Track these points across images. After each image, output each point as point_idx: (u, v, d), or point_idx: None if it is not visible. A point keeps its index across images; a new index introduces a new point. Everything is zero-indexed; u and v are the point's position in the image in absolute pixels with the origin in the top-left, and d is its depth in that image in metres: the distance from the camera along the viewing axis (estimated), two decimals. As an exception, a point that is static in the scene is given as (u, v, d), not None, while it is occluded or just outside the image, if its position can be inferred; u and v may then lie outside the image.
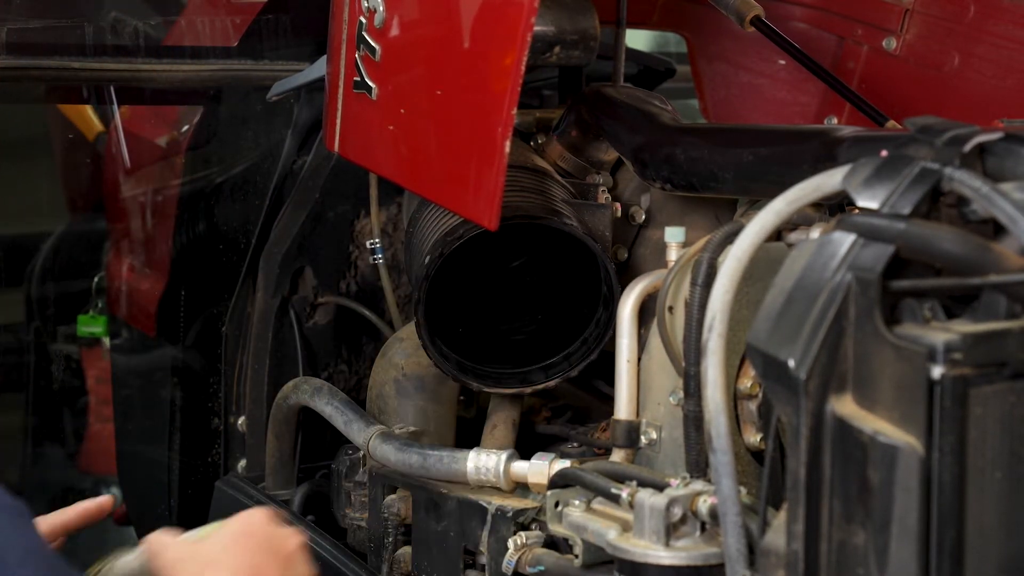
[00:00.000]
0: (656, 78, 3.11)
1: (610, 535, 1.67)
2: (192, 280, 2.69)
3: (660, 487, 1.66)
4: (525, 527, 1.88)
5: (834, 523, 1.35)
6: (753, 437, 1.77)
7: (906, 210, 1.39)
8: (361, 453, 2.15)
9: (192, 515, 2.60)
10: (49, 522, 1.82)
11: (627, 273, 2.14)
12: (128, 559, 1.73)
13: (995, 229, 1.43)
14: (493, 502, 1.90)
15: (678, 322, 1.77)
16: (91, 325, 2.99)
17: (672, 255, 1.84)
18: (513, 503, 1.89)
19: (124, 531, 3.01)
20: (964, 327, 1.32)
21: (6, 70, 2.50)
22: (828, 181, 1.51)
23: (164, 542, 1.67)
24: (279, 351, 2.54)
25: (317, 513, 2.36)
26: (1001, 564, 1.33)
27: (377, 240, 2.43)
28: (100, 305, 3.00)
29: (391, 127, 2.03)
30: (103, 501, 1.87)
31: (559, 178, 2.17)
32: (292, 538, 1.70)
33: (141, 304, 2.82)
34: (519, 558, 1.85)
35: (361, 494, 2.18)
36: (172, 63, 2.60)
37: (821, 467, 1.36)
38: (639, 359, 1.85)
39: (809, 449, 1.36)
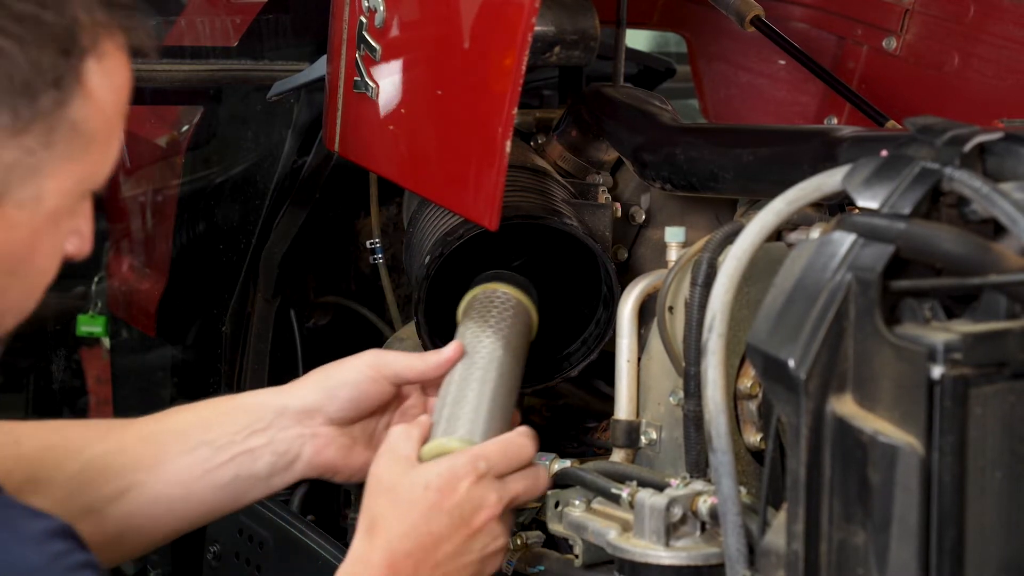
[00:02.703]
0: (656, 78, 3.11)
1: (610, 535, 1.67)
2: (192, 280, 2.69)
3: (660, 487, 1.66)
4: (525, 527, 1.88)
5: (834, 523, 1.35)
6: (753, 437, 1.77)
7: (906, 210, 1.39)
8: (361, 453, 2.15)
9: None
10: (405, 369, 1.82)
11: (627, 273, 2.14)
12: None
13: (995, 229, 1.43)
14: (493, 502, 1.89)
15: (678, 322, 1.77)
16: (91, 325, 2.98)
17: (672, 255, 1.84)
18: (513, 503, 1.89)
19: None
20: (964, 327, 1.32)
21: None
22: (828, 181, 1.51)
23: (394, 446, 1.70)
24: (279, 351, 2.54)
25: (317, 513, 2.36)
26: (1001, 564, 1.33)
27: (377, 240, 2.43)
28: (100, 305, 3.00)
29: (391, 127, 2.03)
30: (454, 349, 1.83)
31: (559, 178, 2.17)
32: (488, 510, 1.67)
33: (141, 304, 2.82)
34: (519, 558, 1.85)
35: (361, 494, 2.18)
36: (172, 63, 2.60)
37: (821, 467, 1.36)
38: (639, 359, 1.85)
39: (809, 449, 1.36)
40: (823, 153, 1.74)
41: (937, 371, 1.29)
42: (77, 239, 1.44)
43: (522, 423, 2.13)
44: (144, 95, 2.76)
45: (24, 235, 1.36)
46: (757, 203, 2.01)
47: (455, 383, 1.79)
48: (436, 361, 1.82)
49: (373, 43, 2.01)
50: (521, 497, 1.72)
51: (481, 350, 1.81)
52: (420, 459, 1.70)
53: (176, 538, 1.86)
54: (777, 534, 1.42)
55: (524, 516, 1.90)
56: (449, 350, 1.82)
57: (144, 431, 1.82)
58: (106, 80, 1.38)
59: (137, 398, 2.92)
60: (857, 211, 1.51)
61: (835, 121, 2.72)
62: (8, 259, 1.36)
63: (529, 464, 1.73)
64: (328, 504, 2.29)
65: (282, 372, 2.52)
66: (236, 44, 2.65)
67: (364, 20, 2.02)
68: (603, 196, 2.15)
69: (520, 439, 1.73)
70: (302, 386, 1.84)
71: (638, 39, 3.59)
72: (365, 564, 1.63)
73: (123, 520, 1.77)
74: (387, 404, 1.88)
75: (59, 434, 1.80)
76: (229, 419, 1.82)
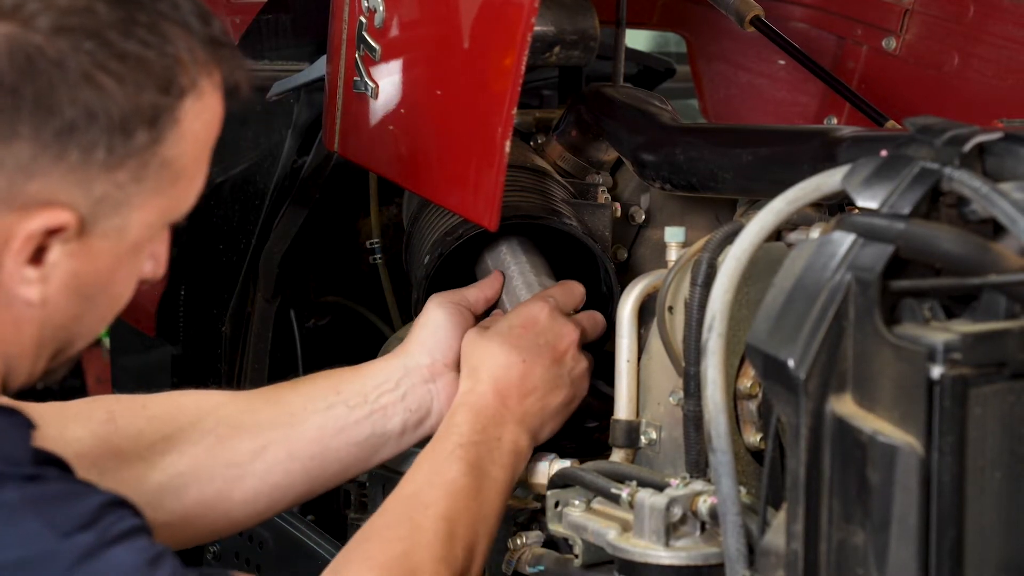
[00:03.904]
0: (656, 78, 3.11)
1: (610, 535, 1.67)
2: (192, 280, 2.69)
3: (660, 487, 1.66)
4: (525, 527, 1.88)
5: (834, 523, 1.36)
6: (753, 437, 1.77)
7: (906, 210, 1.39)
8: (361, 453, 2.15)
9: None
10: (472, 296, 1.99)
11: (627, 273, 2.14)
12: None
13: (995, 229, 1.43)
14: (493, 502, 1.89)
15: (678, 322, 1.77)
16: (91, 325, 2.98)
17: (672, 255, 1.84)
18: (513, 503, 1.89)
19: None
20: (964, 327, 1.32)
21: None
22: (828, 181, 1.51)
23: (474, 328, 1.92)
24: (279, 351, 2.54)
25: (317, 513, 2.36)
26: (1001, 564, 1.34)
27: (377, 240, 2.43)
28: (100, 305, 2.99)
29: (391, 127, 2.03)
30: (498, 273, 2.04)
31: (559, 178, 2.17)
32: (569, 336, 1.90)
33: (141, 304, 2.82)
34: (519, 558, 1.85)
35: (361, 494, 2.18)
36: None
37: (821, 467, 1.36)
38: (639, 359, 1.85)
39: (809, 449, 1.36)
40: (823, 153, 1.74)
41: (937, 371, 1.29)
42: (153, 263, 1.47)
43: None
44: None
45: (106, 264, 1.38)
46: (757, 203, 2.01)
47: (516, 276, 2.03)
48: (493, 282, 2.02)
49: (373, 43, 2.01)
50: (588, 332, 1.95)
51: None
52: None
53: (306, 501, 1.94)
54: (777, 534, 1.42)
55: (524, 516, 1.90)
56: (494, 274, 2.03)
57: (270, 396, 1.91)
58: (200, 118, 1.41)
59: (137, 398, 2.91)
60: (857, 211, 1.51)
61: (835, 121, 2.72)
62: (88, 287, 1.38)
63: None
64: (328, 504, 2.29)
65: (282, 372, 2.52)
66: (236, 44, 2.65)
67: (364, 20, 2.03)
68: (603, 196, 2.15)
69: (573, 282, 1.99)
70: (406, 348, 1.94)
71: (638, 39, 3.59)
72: (475, 394, 1.84)
73: (261, 478, 1.83)
74: None
75: (186, 397, 1.89)
76: (358, 381, 1.91)
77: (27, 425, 1.36)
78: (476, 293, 1.99)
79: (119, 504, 1.35)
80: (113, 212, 1.36)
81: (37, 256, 1.34)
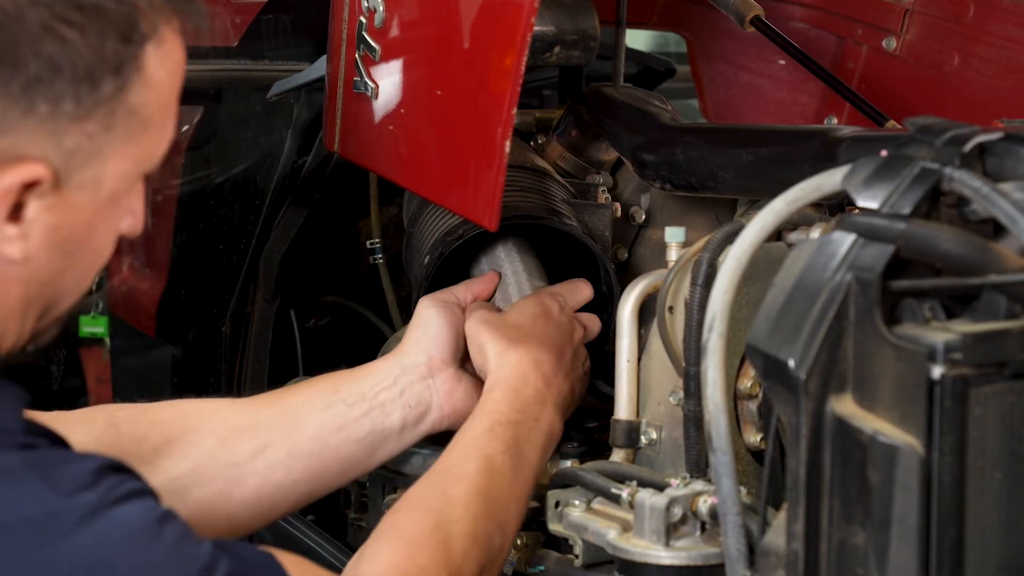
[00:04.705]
0: (656, 78, 3.11)
1: (610, 535, 1.67)
2: (192, 280, 2.69)
3: (660, 487, 1.66)
4: (525, 527, 1.88)
5: (834, 523, 1.35)
6: (753, 437, 1.77)
7: (906, 210, 1.39)
8: (361, 453, 2.15)
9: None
10: (462, 293, 2.01)
11: (627, 273, 2.14)
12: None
13: (995, 229, 1.43)
14: (493, 502, 1.89)
15: (678, 322, 1.77)
16: (92, 325, 2.98)
17: (672, 255, 1.84)
18: (513, 503, 1.89)
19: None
20: (964, 327, 1.32)
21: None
22: (828, 181, 1.51)
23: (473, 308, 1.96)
24: (279, 351, 2.54)
25: (317, 513, 2.36)
26: (1001, 564, 1.33)
27: (377, 240, 2.43)
28: (101, 305, 3.00)
29: (391, 127, 2.03)
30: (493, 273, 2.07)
31: (559, 178, 2.17)
32: (577, 331, 1.97)
33: (141, 304, 2.82)
34: (519, 558, 1.85)
35: (361, 494, 2.19)
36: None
37: (821, 467, 1.36)
38: (639, 359, 1.85)
39: (809, 449, 1.36)
40: (823, 153, 1.74)
41: (937, 371, 1.29)
42: (131, 218, 1.47)
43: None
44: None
45: (85, 217, 1.39)
46: (757, 203, 2.01)
47: (509, 276, 2.05)
48: (486, 281, 2.03)
49: (373, 43, 2.01)
50: (589, 331, 2.00)
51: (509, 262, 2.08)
52: None
53: (310, 503, 1.93)
54: (777, 534, 1.42)
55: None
56: (489, 274, 2.05)
57: (270, 398, 1.93)
58: (163, 64, 1.40)
59: (137, 398, 2.91)
60: (857, 211, 1.51)
61: (835, 121, 2.72)
62: (68, 241, 1.39)
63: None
64: (328, 504, 2.29)
65: (282, 372, 2.52)
66: (236, 44, 2.66)
67: (364, 20, 2.03)
68: (603, 196, 2.15)
69: (579, 281, 2.04)
70: (402, 348, 1.95)
71: (638, 39, 3.59)
72: (515, 373, 1.85)
73: (263, 476, 1.84)
74: None
75: (188, 403, 1.90)
76: (356, 382, 1.92)
77: (19, 397, 1.36)
78: (466, 291, 2.00)
79: (119, 468, 1.36)
80: (86, 163, 1.36)
81: (16, 213, 1.34)
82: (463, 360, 1.96)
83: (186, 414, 1.86)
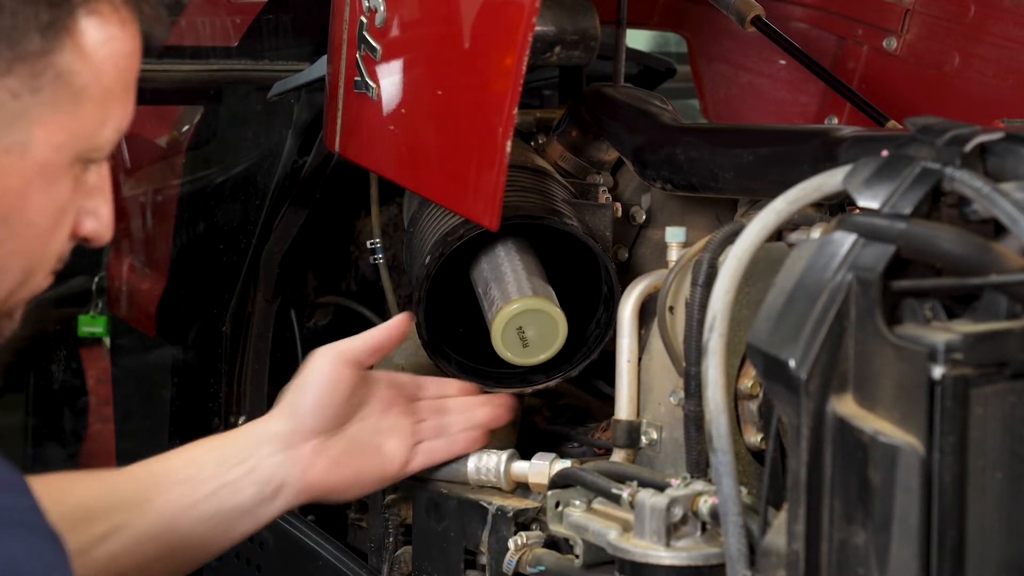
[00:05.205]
0: (656, 78, 3.11)
1: (611, 535, 1.67)
2: (192, 280, 2.69)
3: (661, 487, 1.66)
4: (526, 527, 1.88)
5: (835, 523, 1.35)
6: (754, 437, 1.77)
7: (907, 210, 1.39)
8: (361, 453, 2.14)
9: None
10: (359, 346, 1.90)
11: (627, 273, 2.14)
12: None
13: (996, 229, 1.43)
14: (494, 502, 1.90)
15: (678, 322, 1.77)
16: (92, 325, 2.99)
17: (673, 255, 1.84)
18: (514, 503, 1.89)
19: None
20: (965, 327, 1.32)
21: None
22: (829, 181, 1.51)
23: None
24: (279, 351, 2.54)
25: (317, 513, 2.35)
26: (1002, 564, 1.33)
27: (377, 240, 2.43)
28: (101, 305, 3.00)
29: (391, 127, 2.03)
30: (403, 317, 1.94)
31: (559, 178, 2.17)
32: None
33: (141, 304, 2.82)
34: (519, 558, 1.85)
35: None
36: (172, 63, 2.60)
37: (822, 467, 1.36)
38: (640, 359, 1.85)
39: (810, 449, 1.36)
40: (823, 153, 1.74)
41: (938, 371, 1.29)
42: (94, 221, 1.45)
43: (523, 424, 2.14)
44: (144, 95, 2.75)
45: (15, 184, 1.37)
46: (757, 203, 2.01)
47: (487, 272, 2.02)
48: (390, 325, 1.92)
49: (373, 43, 2.01)
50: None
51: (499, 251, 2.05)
52: (493, 329, 1.94)
53: None
54: (778, 534, 1.42)
55: (524, 516, 1.90)
56: (400, 316, 1.93)
57: (137, 472, 1.82)
58: (100, 37, 1.39)
59: (137, 398, 2.92)
60: (858, 211, 1.51)
61: (835, 121, 2.72)
62: None
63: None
64: (328, 504, 2.29)
65: (282, 372, 2.52)
66: (236, 44, 2.66)
67: (364, 20, 2.02)
68: (603, 196, 2.15)
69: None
70: (273, 411, 1.87)
71: (638, 39, 3.59)
72: None
73: (110, 562, 1.74)
74: (363, 399, 1.90)
75: (59, 479, 1.78)
76: (212, 454, 1.83)
77: None
78: (364, 345, 1.90)
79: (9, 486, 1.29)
80: (11, 124, 1.35)
81: None
82: (348, 420, 1.88)
83: (48, 490, 1.74)
